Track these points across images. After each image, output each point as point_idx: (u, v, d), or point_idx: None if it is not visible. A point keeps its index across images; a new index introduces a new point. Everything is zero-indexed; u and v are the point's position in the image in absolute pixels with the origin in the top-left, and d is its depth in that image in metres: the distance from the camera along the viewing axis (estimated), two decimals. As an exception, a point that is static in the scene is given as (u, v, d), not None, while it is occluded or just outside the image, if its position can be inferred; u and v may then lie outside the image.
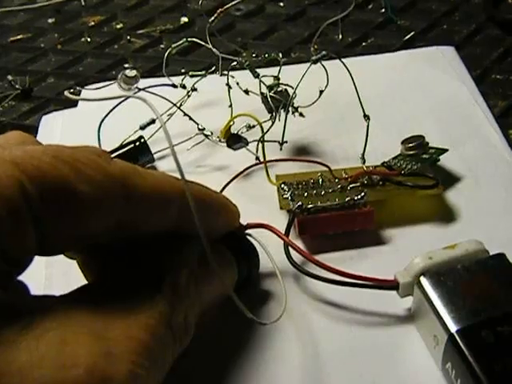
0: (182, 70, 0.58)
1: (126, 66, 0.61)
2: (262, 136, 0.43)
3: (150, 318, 0.27)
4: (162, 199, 0.29)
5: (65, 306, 0.25)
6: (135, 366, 0.24)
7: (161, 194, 0.29)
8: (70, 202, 0.26)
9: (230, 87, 0.47)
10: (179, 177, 0.28)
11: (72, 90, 0.51)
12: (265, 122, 0.45)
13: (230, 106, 0.47)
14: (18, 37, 0.69)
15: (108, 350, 0.24)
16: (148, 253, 0.30)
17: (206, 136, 0.46)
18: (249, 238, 0.38)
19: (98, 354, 0.24)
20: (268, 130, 0.44)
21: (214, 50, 0.46)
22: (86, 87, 0.56)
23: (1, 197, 0.24)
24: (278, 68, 0.47)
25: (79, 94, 0.54)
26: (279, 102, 0.46)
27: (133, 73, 0.42)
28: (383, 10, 0.65)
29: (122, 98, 0.37)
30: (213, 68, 0.48)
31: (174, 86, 0.48)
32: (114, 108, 0.45)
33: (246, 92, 0.47)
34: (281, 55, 0.47)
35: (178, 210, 0.30)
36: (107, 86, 0.45)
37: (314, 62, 0.44)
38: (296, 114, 0.46)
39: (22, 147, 0.27)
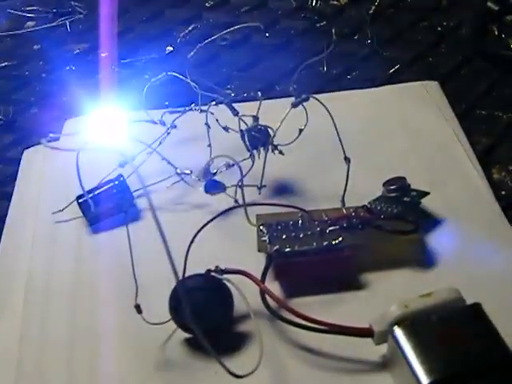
0: (166, 103, 0.58)
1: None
2: (241, 179, 0.43)
3: None
4: None
5: None
6: None
7: None
8: None
9: (208, 126, 0.46)
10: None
11: (51, 136, 0.51)
12: (244, 160, 0.45)
13: (209, 145, 0.46)
14: (3, 64, 0.69)
15: None
16: None
17: (183, 179, 0.46)
18: (226, 282, 0.38)
19: None
20: (247, 173, 0.44)
21: (193, 85, 0.46)
22: (70, 119, 0.56)
23: None
24: (258, 105, 0.46)
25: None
26: (258, 140, 0.45)
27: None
28: (369, 41, 0.65)
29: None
30: (192, 105, 0.47)
31: (153, 122, 0.48)
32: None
33: (226, 129, 0.46)
34: (260, 93, 0.47)
35: None
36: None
37: (294, 106, 0.43)
38: (276, 151, 0.46)
39: None
